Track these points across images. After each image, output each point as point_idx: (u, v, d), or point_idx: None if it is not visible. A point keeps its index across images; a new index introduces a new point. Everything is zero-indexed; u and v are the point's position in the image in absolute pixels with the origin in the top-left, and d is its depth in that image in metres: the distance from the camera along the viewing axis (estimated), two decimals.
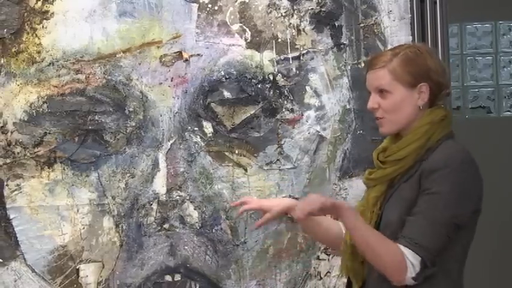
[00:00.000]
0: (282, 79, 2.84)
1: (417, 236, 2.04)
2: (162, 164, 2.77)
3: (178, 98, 2.78)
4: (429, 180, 2.07)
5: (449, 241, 2.06)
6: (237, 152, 2.83)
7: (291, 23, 2.85)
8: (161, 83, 2.78)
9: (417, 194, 2.08)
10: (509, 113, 4.67)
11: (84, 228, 2.76)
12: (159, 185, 2.78)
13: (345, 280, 2.31)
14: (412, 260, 2.03)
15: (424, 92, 2.15)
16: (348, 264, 2.24)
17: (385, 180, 2.18)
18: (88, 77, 2.73)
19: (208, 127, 2.81)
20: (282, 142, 2.86)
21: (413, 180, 2.11)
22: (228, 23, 2.82)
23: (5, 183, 2.73)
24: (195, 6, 2.80)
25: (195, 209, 2.80)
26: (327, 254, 2.85)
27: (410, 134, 2.14)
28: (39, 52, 2.72)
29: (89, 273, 2.77)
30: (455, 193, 2.05)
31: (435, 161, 2.09)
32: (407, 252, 2.04)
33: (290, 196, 2.84)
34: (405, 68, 2.15)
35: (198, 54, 2.80)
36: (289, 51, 2.85)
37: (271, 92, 2.84)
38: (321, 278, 2.86)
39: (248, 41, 2.83)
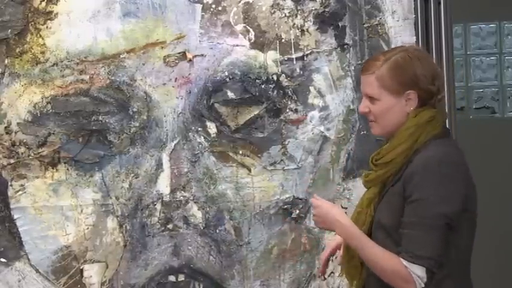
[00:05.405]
0: (286, 79, 2.84)
1: (415, 248, 2.04)
2: (166, 165, 2.77)
3: (182, 99, 2.78)
4: (410, 185, 2.07)
5: (448, 242, 2.06)
6: (241, 152, 2.83)
7: (294, 24, 2.85)
8: (165, 84, 2.78)
9: (403, 198, 2.09)
10: None
11: (88, 228, 2.77)
12: (163, 185, 2.78)
13: None
14: (417, 272, 2.04)
15: (412, 99, 2.14)
16: (344, 265, 2.26)
17: (377, 183, 2.19)
18: (92, 77, 2.74)
19: (212, 127, 2.81)
20: (286, 142, 2.85)
21: (399, 184, 2.11)
22: (232, 24, 2.82)
23: (9, 184, 2.73)
24: (198, 6, 2.80)
25: (198, 210, 2.80)
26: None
27: (396, 137, 2.15)
28: (43, 52, 2.72)
29: (92, 273, 2.77)
30: (437, 195, 2.04)
31: (414, 165, 2.09)
32: (411, 267, 2.04)
33: (293, 196, 2.84)
34: (392, 76, 2.14)
35: (202, 55, 2.80)
36: (293, 52, 2.85)
37: (275, 93, 2.84)
38: (325, 279, 2.86)
39: (252, 41, 2.83)
